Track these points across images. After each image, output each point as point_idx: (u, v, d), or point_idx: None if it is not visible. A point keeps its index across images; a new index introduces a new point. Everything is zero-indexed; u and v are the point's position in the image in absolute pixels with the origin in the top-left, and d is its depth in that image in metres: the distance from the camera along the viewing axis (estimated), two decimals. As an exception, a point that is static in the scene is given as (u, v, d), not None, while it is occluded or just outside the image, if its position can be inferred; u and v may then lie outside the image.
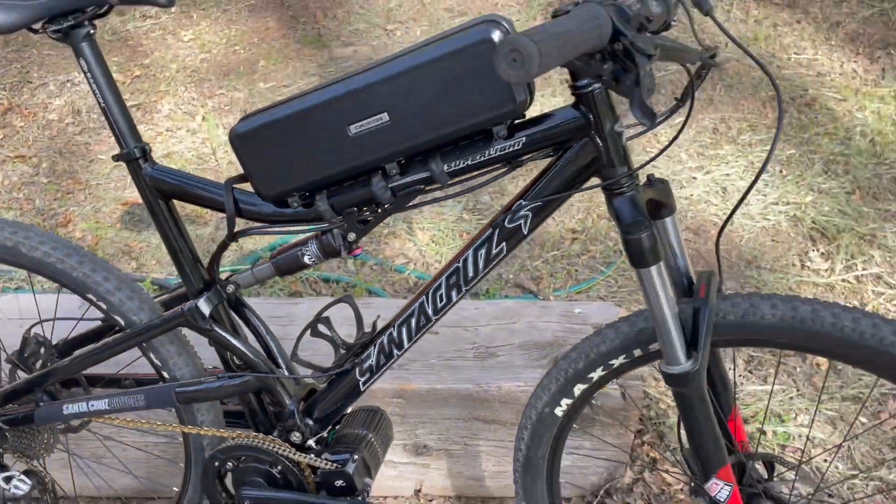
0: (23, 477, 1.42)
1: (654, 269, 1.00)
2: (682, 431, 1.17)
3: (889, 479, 1.83)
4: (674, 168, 2.89)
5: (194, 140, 3.10)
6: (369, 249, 2.59)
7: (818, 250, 2.55)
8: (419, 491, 1.81)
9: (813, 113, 3.14)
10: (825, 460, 1.87)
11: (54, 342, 1.45)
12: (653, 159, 1.02)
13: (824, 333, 1.00)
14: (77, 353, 1.33)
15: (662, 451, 1.84)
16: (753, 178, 0.98)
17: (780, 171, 2.87)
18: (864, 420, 1.98)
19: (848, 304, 1.02)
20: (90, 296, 1.28)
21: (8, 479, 1.42)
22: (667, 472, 1.79)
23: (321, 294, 2.42)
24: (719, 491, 1.11)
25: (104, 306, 1.29)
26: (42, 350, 1.47)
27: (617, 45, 0.74)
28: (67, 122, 3.22)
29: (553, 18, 0.90)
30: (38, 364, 1.46)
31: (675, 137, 1.00)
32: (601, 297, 2.40)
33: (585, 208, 2.70)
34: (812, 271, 2.48)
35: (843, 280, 2.43)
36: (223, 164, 2.98)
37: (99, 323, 1.43)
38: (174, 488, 1.62)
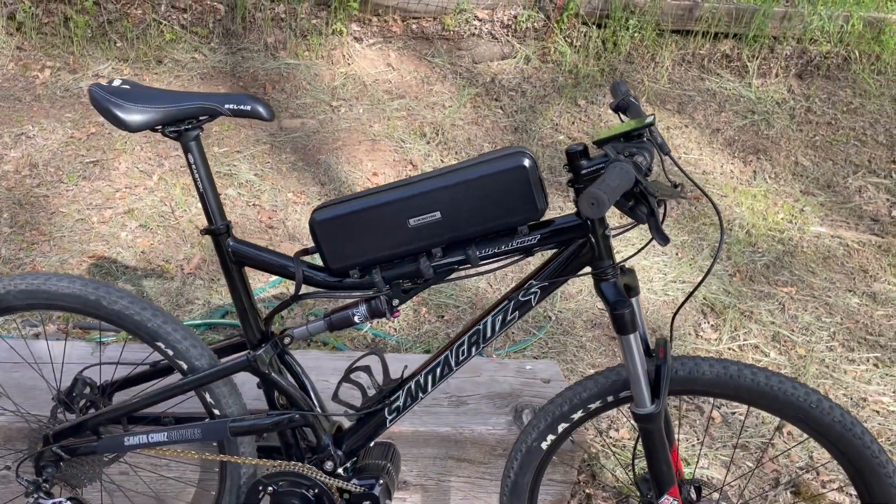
0: (67, 502, 1.60)
1: (632, 336, 1.38)
2: (636, 462, 1.53)
3: (771, 511, 2.27)
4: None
5: (153, 199, 3.29)
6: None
7: (708, 322, 3.05)
8: (393, 523, 2.08)
9: (701, 206, 3.72)
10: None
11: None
12: (631, 256, 1.41)
13: (746, 386, 1.41)
14: (147, 391, 1.55)
15: (596, 487, 2.21)
16: (703, 275, 1.38)
17: (677, 254, 3.39)
18: (749, 464, 2.43)
19: (762, 367, 1.43)
20: (159, 343, 1.52)
21: (55, 506, 1.59)
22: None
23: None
24: (669, 504, 1.48)
25: (171, 353, 1.52)
26: (87, 390, 1.67)
27: (635, 188, 1.12)
28: (24, 174, 3.33)
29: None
30: (82, 403, 1.67)
31: (649, 242, 1.40)
32: (535, 356, 2.78)
33: (518, 278, 3.10)
34: (704, 340, 2.97)
35: (728, 348, 2.93)
36: (183, 223, 3.18)
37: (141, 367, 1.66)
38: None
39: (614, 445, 2.40)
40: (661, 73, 4.56)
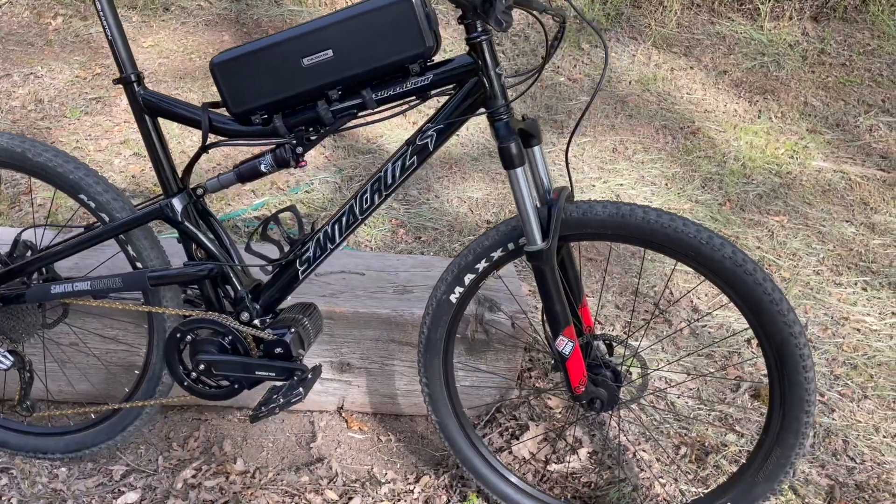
0: (7, 353, 1.69)
1: (519, 170, 1.39)
2: (545, 321, 1.54)
3: (728, 412, 2.24)
4: (577, 177, 3.33)
5: (150, 131, 3.40)
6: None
7: (691, 247, 3.01)
8: (341, 408, 2.13)
9: (697, 140, 3.66)
10: (678, 395, 2.27)
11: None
12: (520, 95, 1.42)
13: (637, 225, 1.40)
14: (69, 240, 1.62)
15: (546, 382, 2.21)
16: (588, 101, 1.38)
17: (665, 185, 3.35)
18: (713, 370, 2.40)
19: (655, 207, 1.42)
20: (82, 196, 1.59)
21: (-6, 355, 1.69)
22: (549, 398, 2.16)
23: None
24: (564, 346, 1.48)
25: (93, 205, 1.60)
26: (28, 253, 1.76)
27: (485, -12, 1.14)
28: (30, 108, 3.48)
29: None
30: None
31: (542, 66, 1.39)
32: (507, 273, 2.78)
33: (500, 204, 3.11)
34: (685, 262, 2.92)
35: (709, 270, 2.88)
36: (175, 153, 3.28)
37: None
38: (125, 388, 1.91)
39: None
40: (669, 16, 4.49)
